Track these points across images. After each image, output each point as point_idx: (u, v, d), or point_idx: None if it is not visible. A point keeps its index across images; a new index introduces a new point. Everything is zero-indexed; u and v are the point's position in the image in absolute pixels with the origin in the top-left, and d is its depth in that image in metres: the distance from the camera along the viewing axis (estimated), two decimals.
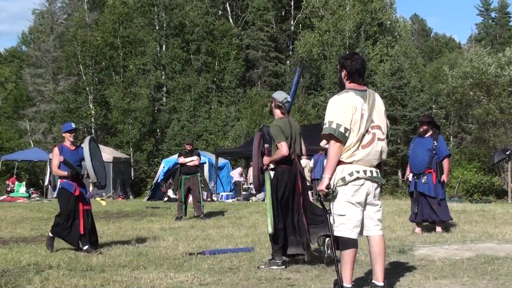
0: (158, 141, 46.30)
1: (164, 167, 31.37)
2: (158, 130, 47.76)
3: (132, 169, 42.78)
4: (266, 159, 8.31)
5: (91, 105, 47.58)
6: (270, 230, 8.18)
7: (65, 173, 10.37)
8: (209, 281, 7.19)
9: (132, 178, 42.24)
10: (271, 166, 8.42)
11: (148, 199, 30.26)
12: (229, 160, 34.86)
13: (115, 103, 44.48)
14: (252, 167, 8.66)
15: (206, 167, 29.65)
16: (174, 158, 27.88)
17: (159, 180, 31.39)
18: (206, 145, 42.45)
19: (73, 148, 10.62)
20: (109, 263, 8.68)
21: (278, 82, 50.07)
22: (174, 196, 27.36)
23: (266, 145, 8.51)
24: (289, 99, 8.57)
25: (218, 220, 15.89)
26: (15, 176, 37.77)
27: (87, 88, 47.73)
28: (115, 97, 44.63)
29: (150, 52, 47.22)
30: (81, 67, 47.62)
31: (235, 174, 31.05)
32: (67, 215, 10.28)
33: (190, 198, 17.52)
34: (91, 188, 10.62)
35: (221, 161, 31.72)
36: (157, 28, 48.58)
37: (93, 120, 47.50)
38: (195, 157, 16.97)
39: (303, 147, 8.57)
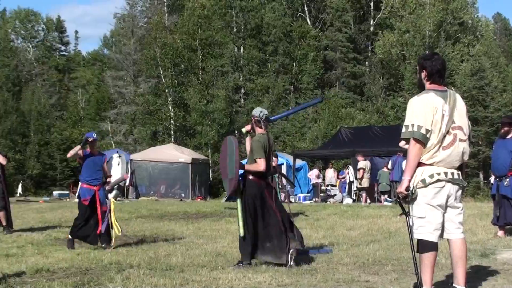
0: None
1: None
2: (236, 132, 48.02)
3: (210, 170, 43.09)
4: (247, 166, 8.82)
5: (170, 107, 48.21)
6: (242, 233, 8.52)
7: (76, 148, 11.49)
8: (287, 282, 7.19)
9: (211, 179, 42.57)
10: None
11: (226, 200, 30.40)
12: (307, 161, 34.76)
13: (194, 105, 44.95)
14: (223, 173, 9.21)
15: (284, 168, 29.61)
16: None
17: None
18: (283, 146, 42.52)
19: (96, 154, 11.64)
20: (188, 263, 8.77)
21: (356, 83, 49.74)
22: None
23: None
24: (265, 112, 8.97)
25: (296, 221, 15.77)
26: None
27: (167, 90, 48.40)
28: (193, 99, 45.09)
29: (228, 54, 47.54)
30: (160, 69, 48.31)
31: (313, 175, 30.93)
32: (85, 217, 11.25)
33: None
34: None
35: (299, 162, 31.66)
36: (234, 30, 48.87)
37: (172, 121, 48.12)
38: (273, 158, 16.93)
39: (273, 162, 9.43)
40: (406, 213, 5.93)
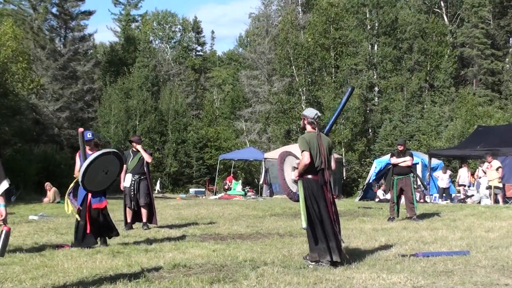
0: (370, 141, 46.20)
1: (376, 167, 31.23)
2: (370, 130, 47.66)
3: (344, 169, 42.97)
4: (295, 173, 9.11)
5: (303, 106, 48.37)
6: (304, 225, 8.54)
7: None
8: (423, 284, 7.10)
9: (344, 178, 42.44)
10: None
11: (359, 199, 30.27)
12: (443, 160, 33.99)
13: (327, 103, 44.89)
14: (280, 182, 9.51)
15: (419, 168, 29.08)
16: (386, 158, 27.67)
17: (371, 180, 31.30)
18: (418, 145, 41.77)
19: (91, 153, 11.45)
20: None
21: (494, 80, 48.12)
22: (383, 197, 27.18)
23: (297, 161, 9.27)
24: (319, 114, 9.25)
25: (431, 222, 15.55)
26: (232, 175, 39.21)
27: (300, 89, 48.62)
28: (326, 98, 45.04)
29: (362, 52, 47.17)
30: (293, 68, 48.58)
31: (446, 175, 30.26)
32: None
33: (402, 199, 17.28)
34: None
35: (434, 162, 31.01)
36: (368, 27, 48.41)
37: None
38: (407, 158, 16.69)
39: (332, 163, 9.22)
40: None
